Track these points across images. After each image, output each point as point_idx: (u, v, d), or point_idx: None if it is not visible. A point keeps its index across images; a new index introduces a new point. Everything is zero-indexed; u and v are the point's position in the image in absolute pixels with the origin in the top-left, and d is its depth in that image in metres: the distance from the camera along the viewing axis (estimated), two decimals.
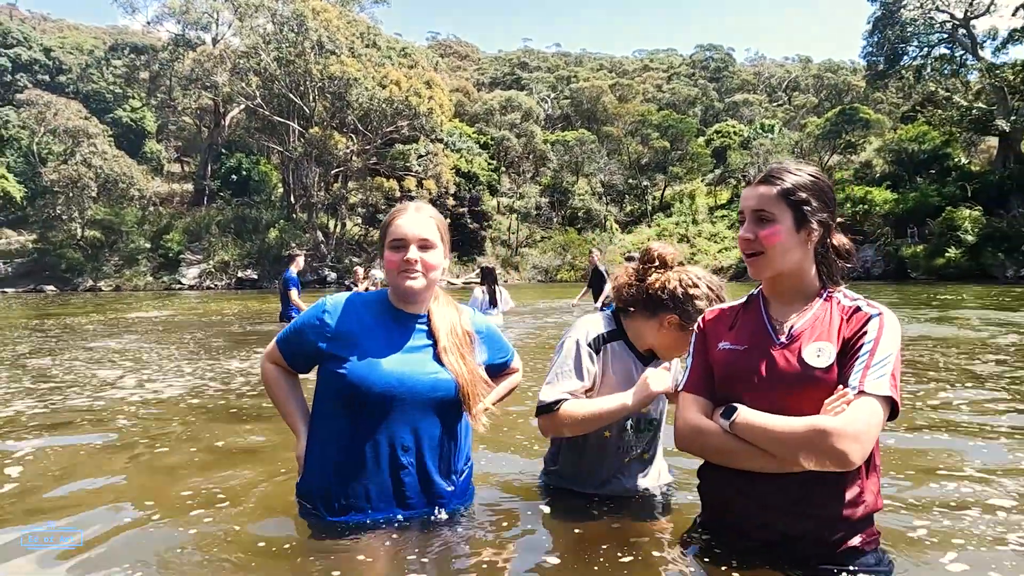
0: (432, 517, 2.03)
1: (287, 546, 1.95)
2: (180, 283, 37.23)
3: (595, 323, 2.16)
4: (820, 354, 1.62)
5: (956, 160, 35.09)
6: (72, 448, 3.29)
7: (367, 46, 41.52)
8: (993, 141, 35.07)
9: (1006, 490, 2.49)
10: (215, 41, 43.15)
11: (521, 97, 57.93)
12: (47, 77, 51.00)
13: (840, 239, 1.75)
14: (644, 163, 52.18)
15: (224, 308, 17.00)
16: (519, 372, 2.43)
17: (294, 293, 10.29)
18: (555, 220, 49.71)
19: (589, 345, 2.09)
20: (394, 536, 1.91)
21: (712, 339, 1.83)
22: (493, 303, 9.52)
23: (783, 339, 1.69)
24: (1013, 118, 30.33)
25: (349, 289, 10.09)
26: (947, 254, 27.48)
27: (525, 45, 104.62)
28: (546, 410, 2.02)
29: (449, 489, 2.08)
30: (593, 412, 1.99)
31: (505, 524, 2.11)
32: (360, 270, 13.47)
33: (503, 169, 52.24)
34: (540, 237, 47.58)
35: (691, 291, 2.05)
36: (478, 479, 2.51)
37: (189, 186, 48.36)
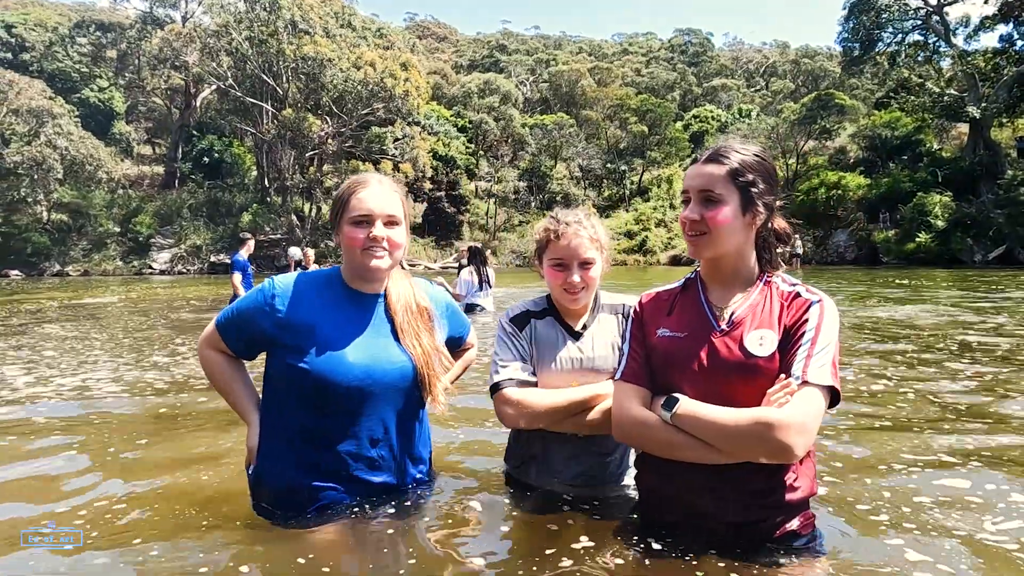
0: (398, 508, 1.95)
1: (287, 545, 1.86)
2: (151, 268, 36.54)
3: (520, 304, 2.17)
4: (762, 342, 1.58)
5: (928, 146, 35.50)
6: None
7: (342, 26, 40.83)
8: (964, 128, 35.48)
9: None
10: (184, 19, 42.14)
11: (500, 80, 57.42)
12: (9, 55, 49.31)
13: (780, 223, 1.73)
14: (622, 147, 52.15)
15: (188, 293, 16.69)
16: (474, 347, 2.36)
17: (236, 277, 9.76)
18: (533, 204, 49.56)
19: (511, 321, 2.11)
20: (360, 528, 1.84)
21: (649, 325, 1.77)
22: (483, 285, 9.26)
23: (723, 326, 1.64)
24: (983, 105, 30.68)
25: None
26: (918, 239, 27.87)
27: (504, 27, 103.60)
28: (493, 390, 2.01)
29: (418, 477, 2.04)
30: (558, 403, 1.94)
31: (467, 518, 2.04)
32: (311, 252, 13.12)
33: (481, 153, 51.87)
34: (518, 222, 47.44)
35: (537, 231, 2.13)
36: (448, 469, 2.45)
37: (160, 168, 47.31)
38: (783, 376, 1.54)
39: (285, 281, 1.94)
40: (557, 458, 2.08)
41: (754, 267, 1.71)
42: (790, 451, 1.46)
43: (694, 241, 1.68)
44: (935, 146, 36.08)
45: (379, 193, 1.90)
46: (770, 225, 1.70)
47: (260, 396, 2.02)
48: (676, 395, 1.62)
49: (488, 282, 9.20)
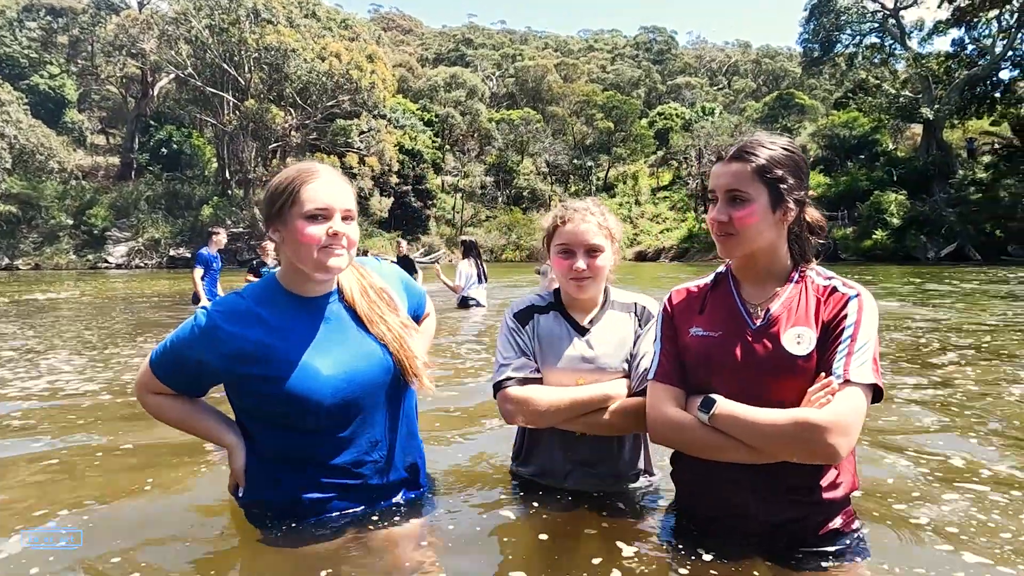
0: (401, 509, 1.89)
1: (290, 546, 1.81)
2: (107, 262, 35.37)
3: (524, 298, 2.11)
4: (800, 340, 1.54)
5: (884, 146, 36.64)
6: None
7: (306, 16, 40.07)
8: (918, 128, 36.67)
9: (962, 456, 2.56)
10: (141, 5, 40.75)
11: (466, 74, 57.17)
12: None
13: (813, 214, 1.68)
14: (589, 143, 52.47)
15: (148, 288, 16.21)
16: (432, 315, 2.26)
17: (197, 273, 9.05)
18: (500, 200, 49.52)
19: (514, 317, 2.05)
20: (363, 533, 1.78)
21: (681, 324, 1.72)
22: (481, 278, 9.25)
23: (758, 323, 1.60)
24: (936, 107, 31.74)
25: (255, 268, 9.36)
26: (874, 236, 28.70)
27: (470, 21, 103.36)
28: (496, 389, 1.96)
29: (419, 467, 1.98)
30: (562, 402, 1.88)
31: (467, 520, 1.97)
32: (270, 245, 12.37)
33: (447, 147, 51.61)
34: (485, 216, 47.35)
35: (545, 220, 2.07)
36: (449, 470, 2.39)
37: (115, 159, 45.72)
38: (823, 375, 1.49)
39: (220, 307, 1.74)
40: (560, 455, 2.02)
41: (787, 261, 1.67)
42: (834, 453, 1.43)
43: (723, 241, 1.63)
44: (891, 146, 37.27)
45: (334, 184, 1.72)
46: (802, 218, 1.66)
47: (230, 417, 1.87)
48: (713, 396, 1.57)
49: (484, 276, 9.23)
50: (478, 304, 9.15)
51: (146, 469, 2.60)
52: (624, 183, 50.96)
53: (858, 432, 1.47)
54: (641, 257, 39.45)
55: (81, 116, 50.14)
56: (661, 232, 42.57)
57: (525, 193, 49.41)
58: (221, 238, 9.56)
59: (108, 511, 2.16)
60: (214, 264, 9.33)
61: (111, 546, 1.84)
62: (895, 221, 28.65)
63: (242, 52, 36.05)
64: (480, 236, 43.68)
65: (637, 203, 47.86)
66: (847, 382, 1.46)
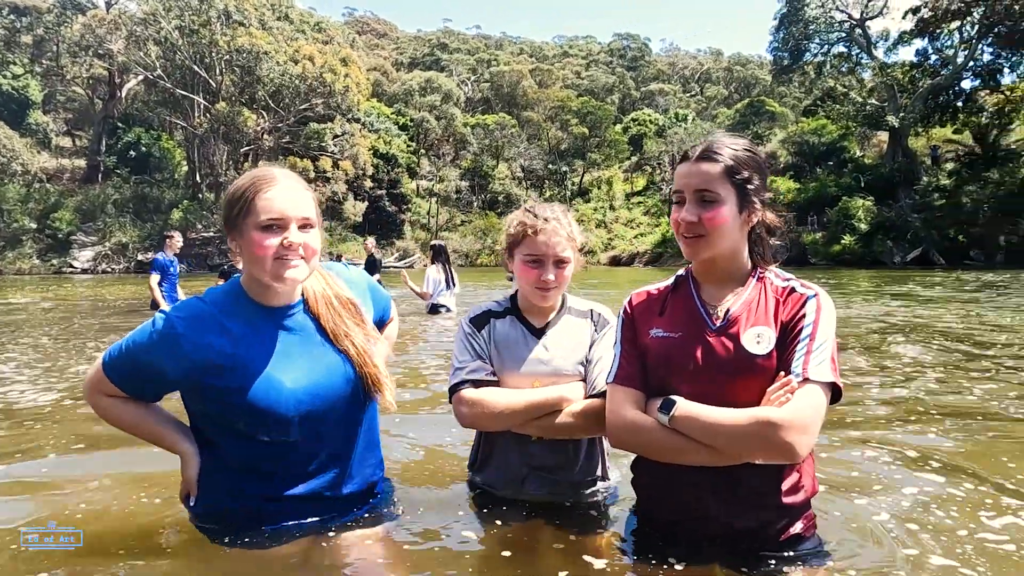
0: (359, 518, 1.85)
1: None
2: (72, 266, 34.52)
3: (480, 304, 2.11)
4: (759, 340, 1.54)
5: (852, 153, 37.48)
6: None
7: (278, 18, 39.71)
8: (884, 136, 37.58)
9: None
10: (109, 5, 39.96)
11: (441, 79, 57.09)
12: None
13: (770, 216, 1.67)
14: (563, 149, 52.73)
15: (114, 293, 15.86)
16: (396, 320, 2.23)
17: (153, 279, 8.68)
18: (475, 204, 49.53)
19: (470, 322, 2.04)
20: (314, 546, 1.74)
21: (641, 325, 1.70)
22: (449, 284, 9.02)
23: (718, 324, 1.59)
24: (901, 115, 32.60)
25: (227, 273, 9.10)
26: (843, 241, 29.31)
27: (445, 25, 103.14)
28: (451, 392, 1.94)
29: (379, 480, 1.95)
30: (517, 404, 1.86)
31: (426, 534, 1.92)
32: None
33: (423, 152, 51.46)
34: (460, 221, 47.30)
35: (510, 225, 2.02)
36: (409, 477, 2.37)
37: (81, 162, 44.68)
38: (782, 374, 1.49)
39: (182, 313, 1.67)
40: (517, 460, 1.99)
41: (747, 263, 1.67)
42: (793, 451, 1.41)
43: (691, 243, 1.60)
44: (858, 153, 38.13)
45: (290, 191, 1.64)
46: (763, 219, 1.65)
47: (184, 424, 1.81)
48: (673, 397, 1.55)
49: (453, 281, 9.03)
50: (448, 310, 9.03)
51: (147, 468, 2.54)
52: (599, 188, 51.32)
53: (818, 430, 1.46)
54: (616, 262, 39.73)
55: (46, 118, 48.92)
56: (635, 237, 42.93)
57: (500, 198, 49.46)
58: (176, 241, 9.23)
59: (109, 512, 2.15)
60: (171, 268, 8.97)
61: (111, 546, 1.82)
62: (863, 226, 29.29)
63: (213, 54, 35.56)
64: (455, 240, 43.59)
65: (611, 208, 48.22)
66: (806, 380, 1.46)
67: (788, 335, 1.53)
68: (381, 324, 2.08)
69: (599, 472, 2.07)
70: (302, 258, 1.64)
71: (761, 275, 1.66)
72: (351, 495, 1.85)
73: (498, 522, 1.92)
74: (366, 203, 41.11)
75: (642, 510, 1.81)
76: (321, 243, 1.72)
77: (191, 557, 1.78)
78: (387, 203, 43.37)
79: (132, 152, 40.51)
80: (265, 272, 1.64)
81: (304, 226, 1.65)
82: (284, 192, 1.64)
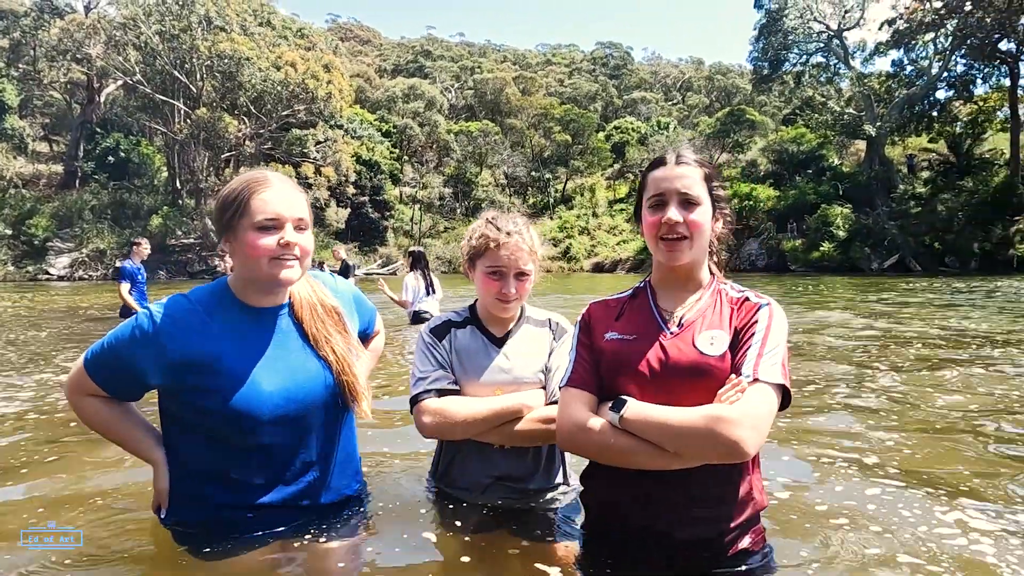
0: (328, 527, 1.84)
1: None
2: (48, 273, 33.94)
3: (443, 315, 2.14)
4: (713, 342, 1.56)
5: (830, 161, 38.03)
6: None
7: (260, 24, 39.49)
8: (862, 144, 38.25)
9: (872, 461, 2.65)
10: (88, 9, 39.56)
11: (424, 85, 57.13)
12: None
13: (721, 228, 1.73)
14: (547, 156, 52.91)
15: (92, 300, 15.63)
16: (382, 332, 2.25)
17: (123, 287, 8.51)
18: (458, 211, 49.47)
19: (431, 332, 2.06)
20: (283, 555, 1.73)
21: (597, 329, 1.71)
22: (428, 290, 8.90)
23: (673, 328, 1.62)
24: (878, 124, 33.20)
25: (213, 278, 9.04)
26: (821, 248, 29.70)
27: (429, 33, 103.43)
28: (412, 403, 1.96)
29: (355, 488, 1.95)
30: (478, 412, 1.88)
31: (388, 539, 1.94)
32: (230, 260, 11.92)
33: (406, 158, 51.37)
34: (443, 228, 47.20)
35: (472, 236, 2.04)
36: (379, 485, 2.39)
37: (58, 167, 43.99)
38: (733, 376, 1.51)
39: (167, 311, 1.67)
40: (479, 468, 2.01)
41: (706, 272, 1.71)
42: (742, 448, 1.41)
43: (672, 245, 1.61)
44: (836, 161, 38.70)
45: (285, 192, 1.69)
46: (722, 228, 1.72)
47: (159, 431, 1.80)
48: (624, 397, 1.56)
49: (433, 287, 8.93)
50: (431, 317, 8.95)
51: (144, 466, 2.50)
52: (581, 195, 51.50)
53: (767, 429, 1.47)
54: (599, 268, 39.84)
55: (22, 122, 48.09)
56: (618, 243, 43.12)
57: (484, 204, 49.43)
58: (144, 249, 9.07)
59: (108, 512, 2.14)
60: (139, 276, 8.79)
61: (111, 546, 1.82)
62: (841, 234, 29.69)
63: (194, 59, 35.25)
64: (438, 247, 43.48)
65: (594, 215, 48.41)
66: (756, 380, 1.48)
67: (740, 340, 1.57)
68: (365, 335, 2.09)
69: (559, 479, 2.10)
70: (297, 258, 1.68)
71: (718, 287, 1.70)
72: (327, 505, 1.85)
73: (459, 529, 1.94)
74: (348, 210, 40.90)
75: (591, 524, 1.81)
76: (313, 245, 1.75)
77: (191, 557, 1.77)
78: (370, 210, 43.18)
79: (111, 157, 39.95)
80: (261, 272, 1.66)
81: (299, 227, 1.70)
82: (279, 193, 1.68)
